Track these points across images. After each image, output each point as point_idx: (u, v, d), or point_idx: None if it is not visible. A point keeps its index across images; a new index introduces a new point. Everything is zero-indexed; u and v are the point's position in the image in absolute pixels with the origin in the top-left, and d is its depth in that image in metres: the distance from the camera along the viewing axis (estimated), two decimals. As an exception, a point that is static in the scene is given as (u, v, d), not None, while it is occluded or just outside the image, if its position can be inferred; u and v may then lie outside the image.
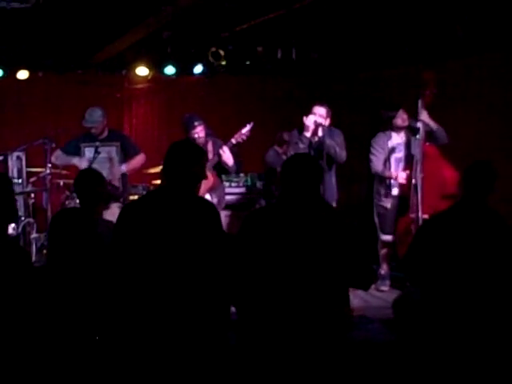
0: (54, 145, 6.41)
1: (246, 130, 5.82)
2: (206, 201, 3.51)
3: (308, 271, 3.05)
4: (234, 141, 5.81)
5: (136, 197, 6.55)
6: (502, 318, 3.44)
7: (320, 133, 5.66)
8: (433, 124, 5.65)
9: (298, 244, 3.07)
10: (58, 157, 6.27)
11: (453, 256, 3.51)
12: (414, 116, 5.72)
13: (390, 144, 5.97)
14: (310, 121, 5.69)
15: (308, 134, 5.69)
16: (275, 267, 3.05)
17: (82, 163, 5.98)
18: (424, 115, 5.59)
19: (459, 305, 3.46)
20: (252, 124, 5.83)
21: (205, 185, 5.81)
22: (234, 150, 5.93)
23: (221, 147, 5.88)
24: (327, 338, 3.12)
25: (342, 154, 5.78)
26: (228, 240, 3.20)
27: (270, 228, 3.11)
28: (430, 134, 5.67)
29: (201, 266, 3.04)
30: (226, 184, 6.50)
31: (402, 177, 5.81)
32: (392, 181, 5.95)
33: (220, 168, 5.99)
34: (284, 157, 5.72)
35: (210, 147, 5.95)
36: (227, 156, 5.80)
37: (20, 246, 3.76)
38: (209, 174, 5.88)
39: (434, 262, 3.56)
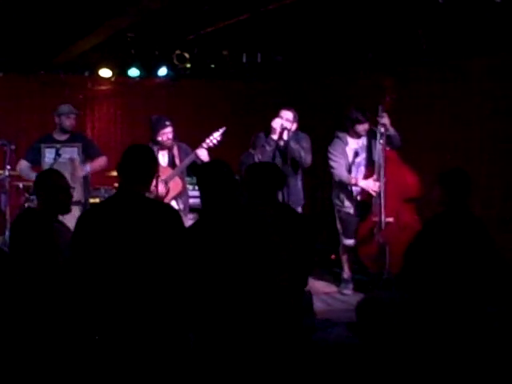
0: (13, 146, 6.29)
1: (217, 134, 5.70)
2: (167, 205, 3.48)
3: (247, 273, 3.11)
4: (205, 145, 5.66)
5: (98, 200, 6.46)
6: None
7: (285, 137, 5.67)
8: (391, 129, 5.71)
9: (231, 253, 3.11)
10: (22, 170, 6.14)
11: (448, 262, 3.58)
12: (374, 121, 5.78)
13: (348, 149, 6.01)
14: (276, 123, 5.69)
15: (275, 137, 5.69)
16: (218, 277, 3.08)
17: None
18: (385, 119, 5.65)
19: (449, 308, 3.53)
20: (224, 129, 5.71)
21: (173, 191, 5.75)
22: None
23: (186, 151, 5.80)
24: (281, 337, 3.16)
25: (307, 158, 5.79)
26: (188, 244, 3.16)
27: (205, 243, 3.14)
28: (387, 138, 5.71)
29: (160, 270, 3.01)
30: (190, 187, 6.44)
31: (373, 187, 5.75)
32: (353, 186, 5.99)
33: (189, 171, 5.90)
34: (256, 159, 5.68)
35: (175, 151, 5.85)
36: (204, 155, 5.62)
37: (2, 250, 3.68)
38: (178, 179, 5.82)
39: (430, 269, 3.61)
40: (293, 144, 5.67)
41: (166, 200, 5.57)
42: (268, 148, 5.67)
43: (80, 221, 3.15)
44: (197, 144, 5.78)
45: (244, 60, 7.43)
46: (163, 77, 7.64)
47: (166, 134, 5.72)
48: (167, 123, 5.73)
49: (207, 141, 5.67)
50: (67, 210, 3.89)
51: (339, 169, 5.94)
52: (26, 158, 6.10)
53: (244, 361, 3.06)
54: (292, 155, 5.65)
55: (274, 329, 3.15)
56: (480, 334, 3.52)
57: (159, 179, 5.40)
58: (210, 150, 5.71)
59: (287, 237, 3.46)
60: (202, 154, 5.65)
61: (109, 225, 3.06)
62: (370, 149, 5.94)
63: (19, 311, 2.61)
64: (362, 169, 5.99)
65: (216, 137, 5.68)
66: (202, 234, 3.19)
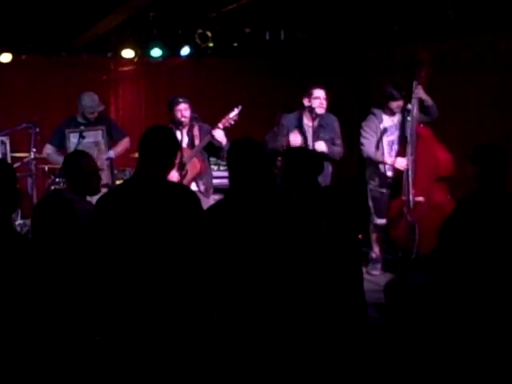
0: (38, 129, 6.31)
1: (233, 114, 5.62)
2: (184, 187, 3.44)
3: (271, 262, 3.01)
4: (221, 125, 5.58)
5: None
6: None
7: (319, 111, 5.63)
8: (428, 99, 5.54)
9: (257, 235, 3.01)
10: (49, 155, 6.10)
11: (482, 242, 3.43)
12: (407, 97, 5.63)
13: (382, 126, 5.88)
14: (296, 142, 5.65)
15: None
16: (241, 261, 3.01)
17: None
18: (420, 92, 5.50)
19: (481, 293, 3.41)
20: (240, 108, 5.64)
21: (191, 172, 5.70)
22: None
23: (208, 132, 5.73)
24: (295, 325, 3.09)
25: (340, 152, 5.80)
26: (206, 225, 3.09)
27: (227, 224, 3.05)
28: (424, 110, 5.57)
29: (177, 252, 2.97)
30: (215, 168, 6.40)
31: (400, 163, 5.68)
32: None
33: (208, 152, 5.85)
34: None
35: (196, 132, 5.79)
36: (220, 135, 5.55)
37: (25, 237, 3.69)
38: (196, 160, 5.76)
39: (463, 250, 3.48)
40: (327, 148, 5.64)
41: (185, 182, 5.51)
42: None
43: (97, 204, 3.13)
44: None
45: (267, 38, 7.31)
46: (186, 56, 7.57)
47: (180, 110, 5.64)
48: (180, 100, 5.67)
49: (223, 121, 5.60)
50: (96, 192, 3.89)
51: (368, 145, 5.84)
52: (51, 143, 6.07)
53: (268, 344, 3.01)
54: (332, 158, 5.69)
55: (296, 315, 3.08)
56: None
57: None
58: (230, 129, 5.64)
59: (318, 223, 3.39)
60: (218, 135, 5.57)
61: (124, 208, 3.03)
62: (403, 126, 5.80)
63: (37, 296, 2.60)
64: (396, 147, 5.87)
65: (232, 117, 5.61)
66: (221, 214, 3.10)
